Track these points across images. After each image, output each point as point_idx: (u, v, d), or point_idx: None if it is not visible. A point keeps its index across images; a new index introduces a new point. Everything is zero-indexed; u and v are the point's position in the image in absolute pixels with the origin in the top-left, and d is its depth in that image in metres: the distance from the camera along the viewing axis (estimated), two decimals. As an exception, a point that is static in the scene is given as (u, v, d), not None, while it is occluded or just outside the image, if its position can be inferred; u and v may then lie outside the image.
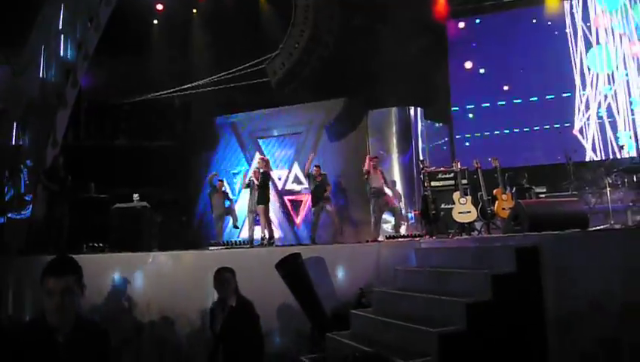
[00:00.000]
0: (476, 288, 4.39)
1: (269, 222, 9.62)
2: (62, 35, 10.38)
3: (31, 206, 9.49)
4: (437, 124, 13.04)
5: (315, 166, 10.14)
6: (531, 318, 4.29)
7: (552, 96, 12.77)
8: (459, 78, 13.52)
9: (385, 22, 12.61)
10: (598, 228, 6.64)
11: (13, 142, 9.97)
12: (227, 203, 11.07)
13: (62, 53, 10.42)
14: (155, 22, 14.31)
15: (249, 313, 4.88)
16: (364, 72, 12.38)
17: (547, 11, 12.98)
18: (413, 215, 10.85)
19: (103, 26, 10.83)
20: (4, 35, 10.89)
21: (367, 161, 9.55)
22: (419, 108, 11.98)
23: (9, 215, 9.34)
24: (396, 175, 11.25)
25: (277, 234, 10.86)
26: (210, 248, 8.35)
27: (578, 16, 12.80)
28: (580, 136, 12.47)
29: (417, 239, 7.38)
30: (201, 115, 14.43)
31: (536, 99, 12.85)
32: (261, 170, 9.71)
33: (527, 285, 4.34)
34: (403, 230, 9.66)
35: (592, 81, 12.60)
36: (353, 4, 12.63)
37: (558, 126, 12.59)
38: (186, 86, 12.99)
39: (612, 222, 7.74)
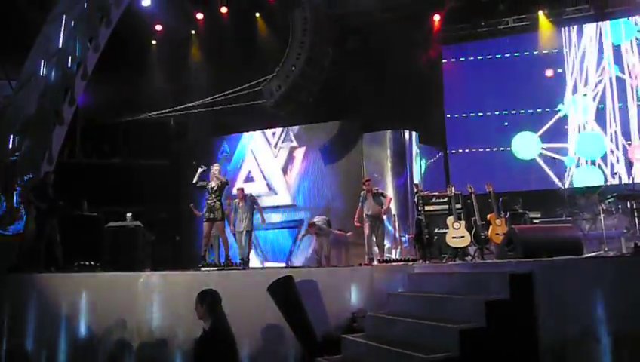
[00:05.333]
0: (469, 314, 4.36)
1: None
2: (61, 54, 10.43)
3: (23, 222, 9.42)
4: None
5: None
6: (525, 345, 4.25)
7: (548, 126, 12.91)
8: (453, 102, 13.63)
9: (380, 45, 12.77)
10: (592, 255, 6.62)
11: (9, 158, 9.95)
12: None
13: (60, 72, 10.45)
14: (154, 42, 14.44)
15: (222, 336, 4.81)
16: (360, 95, 12.51)
17: (542, 40, 13.17)
18: (406, 238, 10.83)
19: (102, 46, 10.91)
20: (4, 51, 10.98)
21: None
22: (413, 132, 12.06)
23: (1, 230, 9.27)
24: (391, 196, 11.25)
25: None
26: (202, 269, 8.28)
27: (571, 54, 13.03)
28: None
29: (410, 263, 7.33)
30: (196, 134, 14.49)
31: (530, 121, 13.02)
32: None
33: (521, 312, 4.32)
34: (396, 254, 9.63)
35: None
36: (349, 28, 12.81)
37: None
38: (182, 106, 13.05)
39: (606, 248, 7.73)
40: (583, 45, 12.92)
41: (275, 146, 13.16)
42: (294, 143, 12.93)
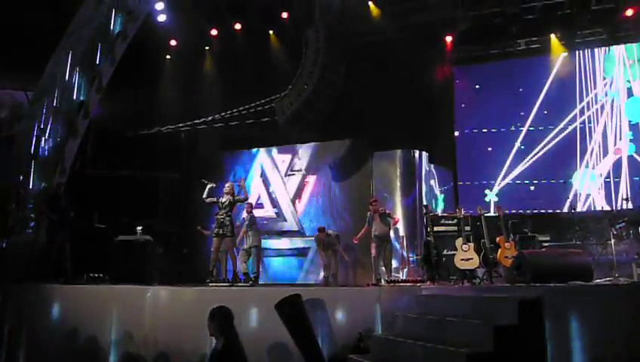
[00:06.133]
0: (477, 338, 4.33)
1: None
2: (77, 67, 10.59)
3: (33, 232, 9.49)
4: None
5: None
6: (533, 372, 4.21)
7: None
8: (464, 122, 13.65)
9: (392, 64, 12.84)
10: (602, 281, 6.57)
11: (23, 168, 10.06)
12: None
13: (76, 84, 10.61)
14: (168, 57, 14.63)
15: (234, 356, 4.72)
16: (370, 114, 12.56)
17: (554, 63, 13.19)
18: (414, 259, 10.78)
19: (117, 60, 11.07)
20: (22, 62, 11.18)
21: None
22: (423, 152, 12.06)
23: (11, 239, 9.33)
24: (399, 218, 11.22)
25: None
26: (211, 285, 8.29)
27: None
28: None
29: (418, 285, 7.31)
30: (208, 149, 14.59)
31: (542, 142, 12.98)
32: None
33: (529, 338, 4.28)
34: (404, 274, 9.58)
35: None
36: (362, 47, 12.92)
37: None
38: (195, 121, 13.17)
39: (617, 275, 7.65)
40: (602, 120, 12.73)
41: (285, 174, 13.27)
42: (304, 172, 13.02)
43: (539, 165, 12.87)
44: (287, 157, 13.28)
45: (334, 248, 10.50)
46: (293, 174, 13.16)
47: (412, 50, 12.69)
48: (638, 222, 8.88)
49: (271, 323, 6.16)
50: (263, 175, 13.46)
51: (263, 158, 13.59)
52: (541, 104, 13.08)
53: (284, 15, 13.34)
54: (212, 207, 10.83)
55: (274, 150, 13.49)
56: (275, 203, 13.23)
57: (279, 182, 13.28)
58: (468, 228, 8.25)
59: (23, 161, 9.96)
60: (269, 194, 13.36)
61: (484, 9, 12.77)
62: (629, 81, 12.58)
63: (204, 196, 8.89)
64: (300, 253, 12.44)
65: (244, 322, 5.23)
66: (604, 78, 12.78)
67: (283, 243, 12.70)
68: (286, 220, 13.04)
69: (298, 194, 13.05)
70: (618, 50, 12.74)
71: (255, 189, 13.40)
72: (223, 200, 8.78)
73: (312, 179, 12.93)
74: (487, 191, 12.99)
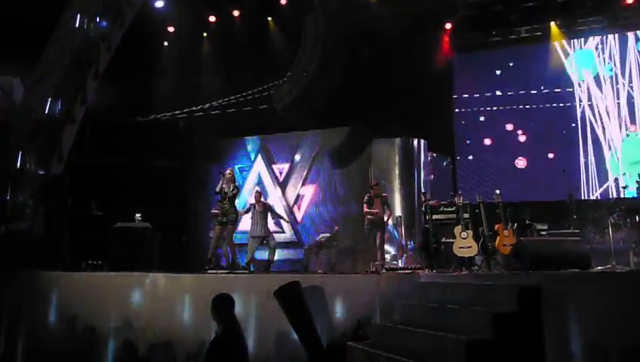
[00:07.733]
0: (476, 326, 4.35)
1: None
2: (74, 54, 10.50)
3: (31, 220, 9.46)
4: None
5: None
6: (532, 359, 4.24)
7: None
8: (464, 110, 13.61)
9: (392, 51, 12.77)
10: (600, 269, 6.60)
11: (20, 156, 10.02)
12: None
13: (73, 71, 10.52)
14: (166, 43, 14.50)
15: (233, 343, 4.74)
16: (370, 102, 12.50)
17: (553, 52, 13.14)
18: (412, 246, 10.80)
19: (114, 47, 10.98)
20: (18, 49, 11.07)
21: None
22: (422, 140, 12.02)
23: (8, 227, 9.31)
24: (397, 205, 11.23)
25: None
26: (209, 272, 8.30)
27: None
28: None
29: (417, 272, 7.33)
30: (206, 136, 14.54)
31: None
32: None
33: (528, 325, 4.31)
34: (402, 262, 9.62)
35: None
36: (361, 34, 12.84)
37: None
38: (193, 108, 13.10)
39: (614, 262, 7.68)
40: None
41: (282, 184, 13.28)
42: (302, 178, 13.04)
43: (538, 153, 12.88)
44: (285, 166, 13.29)
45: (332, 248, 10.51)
46: (290, 182, 13.18)
47: (412, 37, 12.60)
48: (635, 210, 8.91)
49: (270, 310, 6.18)
50: (261, 184, 13.40)
51: (260, 167, 13.56)
52: (540, 90, 13.03)
53: (283, 1, 13.23)
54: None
55: (272, 163, 13.50)
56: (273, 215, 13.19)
57: (277, 194, 13.29)
58: (466, 215, 8.25)
59: (19, 148, 9.91)
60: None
61: (484, -4, 12.69)
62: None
63: (218, 190, 8.94)
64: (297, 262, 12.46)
65: (243, 309, 5.24)
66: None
67: (284, 254, 12.68)
68: (284, 231, 13.00)
69: (297, 203, 13.08)
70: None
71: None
72: (226, 189, 8.82)
73: (310, 190, 12.93)
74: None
